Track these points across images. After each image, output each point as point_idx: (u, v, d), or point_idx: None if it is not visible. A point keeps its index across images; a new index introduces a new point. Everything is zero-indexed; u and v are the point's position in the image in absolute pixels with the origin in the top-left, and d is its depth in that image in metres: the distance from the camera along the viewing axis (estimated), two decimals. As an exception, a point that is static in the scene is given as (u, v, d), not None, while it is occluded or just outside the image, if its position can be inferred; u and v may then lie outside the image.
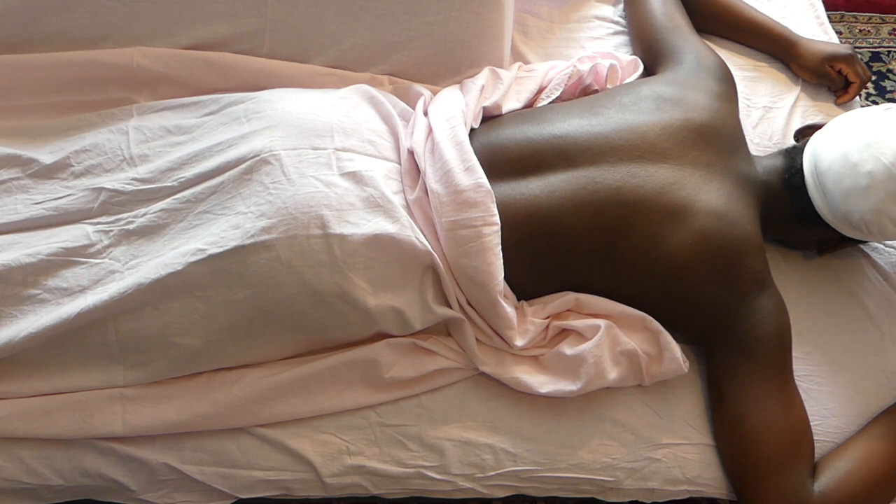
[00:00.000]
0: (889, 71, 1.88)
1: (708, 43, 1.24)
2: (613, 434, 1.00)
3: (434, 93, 1.16)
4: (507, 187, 1.01)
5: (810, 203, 1.02)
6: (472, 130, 1.07)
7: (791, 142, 1.21)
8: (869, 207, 0.95)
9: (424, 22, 1.17)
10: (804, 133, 1.11)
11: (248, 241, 0.91)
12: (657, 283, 0.99)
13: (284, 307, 0.92)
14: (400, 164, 1.04)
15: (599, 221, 0.98)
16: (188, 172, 0.98)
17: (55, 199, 0.99)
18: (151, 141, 1.03)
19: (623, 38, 1.37)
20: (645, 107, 1.06)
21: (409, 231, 0.95)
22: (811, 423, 0.98)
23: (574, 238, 0.99)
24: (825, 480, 0.94)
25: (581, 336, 0.99)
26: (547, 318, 1.01)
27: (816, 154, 1.02)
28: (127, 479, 0.96)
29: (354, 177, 0.97)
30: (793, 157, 1.06)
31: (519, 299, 1.02)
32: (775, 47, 1.35)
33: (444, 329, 1.03)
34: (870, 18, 1.97)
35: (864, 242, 1.12)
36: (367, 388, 0.99)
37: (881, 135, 0.96)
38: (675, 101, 1.06)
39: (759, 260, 1.00)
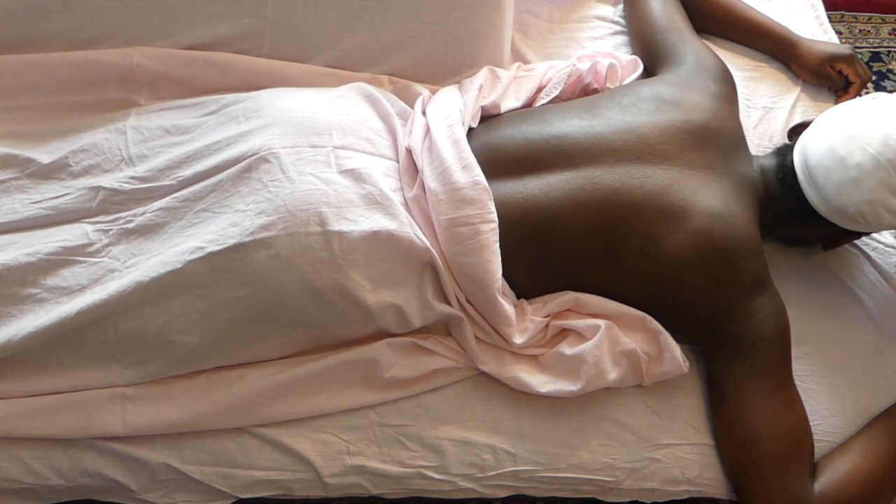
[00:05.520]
0: (889, 71, 1.88)
1: (708, 43, 1.24)
2: (613, 434, 1.00)
3: (433, 92, 1.16)
4: (505, 186, 1.01)
5: (806, 200, 1.02)
6: (470, 129, 1.07)
7: (789, 142, 1.21)
8: (862, 199, 0.95)
9: (424, 22, 1.17)
10: (796, 131, 1.11)
11: (247, 239, 0.91)
12: (656, 284, 0.99)
13: (284, 304, 0.92)
14: (398, 162, 1.04)
15: (598, 222, 0.98)
16: (187, 171, 0.98)
17: (53, 198, 0.99)
18: (150, 141, 1.03)
19: (623, 38, 1.37)
20: (644, 108, 1.06)
21: (408, 228, 0.95)
22: (811, 423, 0.98)
23: (572, 238, 0.99)
24: (825, 481, 0.94)
25: (581, 336, 0.99)
26: (547, 316, 1.01)
27: (805, 151, 1.02)
28: (127, 479, 0.96)
29: (353, 174, 0.97)
30: (784, 155, 1.06)
31: (518, 297, 1.02)
32: (775, 47, 1.35)
33: (444, 329, 1.03)
34: (870, 18, 1.97)
35: (867, 234, 1.11)
36: (366, 387, 0.99)
37: (865, 125, 0.96)
38: (675, 103, 1.06)
39: (758, 261, 1.00)
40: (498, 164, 1.02)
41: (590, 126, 1.04)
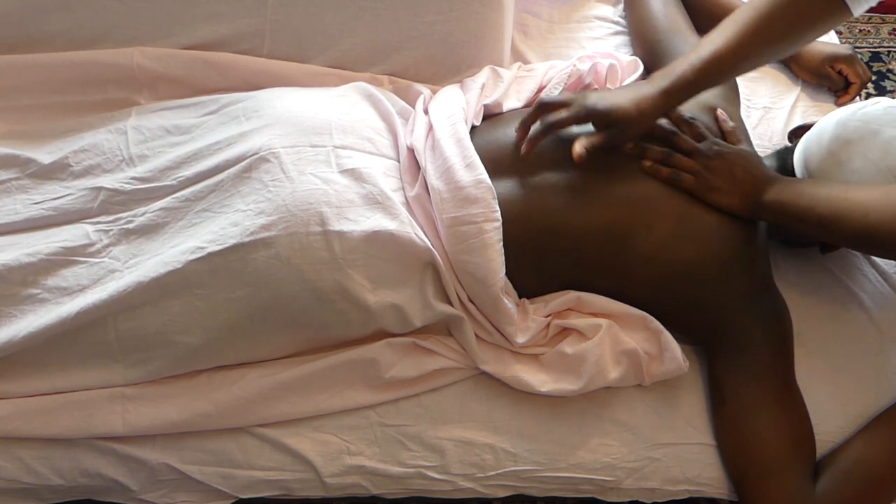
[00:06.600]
0: (889, 71, 1.88)
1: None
2: (613, 434, 1.00)
3: (434, 92, 1.16)
4: (510, 185, 1.01)
5: None
6: (472, 128, 1.07)
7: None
8: None
9: (424, 22, 1.17)
10: (797, 134, 1.11)
11: (247, 239, 0.91)
12: (660, 285, 0.99)
13: (284, 304, 0.92)
14: (398, 161, 1.04)
15: (602, 222, 0.99)
16: (187, 171, 0.98)
17: (54, 199, 0.99)
18: (150, 141, 1.03)
19: (623, 38, 1.37)
20: None
21: (409, 228, 0.95)
22: (811, 423, 0.98)
23: (576, 238, 0.99)
24: (826, 480, 0.94)
25: (582, 335, 0.99)
26: (548, 315, 1.01)
27: (806, 154, 1.02)
28: (127, 479, 0.96)
29: (353, 174, 0.97)
30: (784, 158, 1.07)
31: (521, 297, 1.02)
32: (775, 48, 1.35)
33: (445, 329, 1.03)
34: (870, 18, 1.97)
35: None
36: (367, 387, 0.99)
37: (866, 131, 0.96)
38: None
39: (761, 262, 1.00)
40: (501, 162, 1.02)
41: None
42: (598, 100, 0.96)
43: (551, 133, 0.98)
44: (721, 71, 0.96)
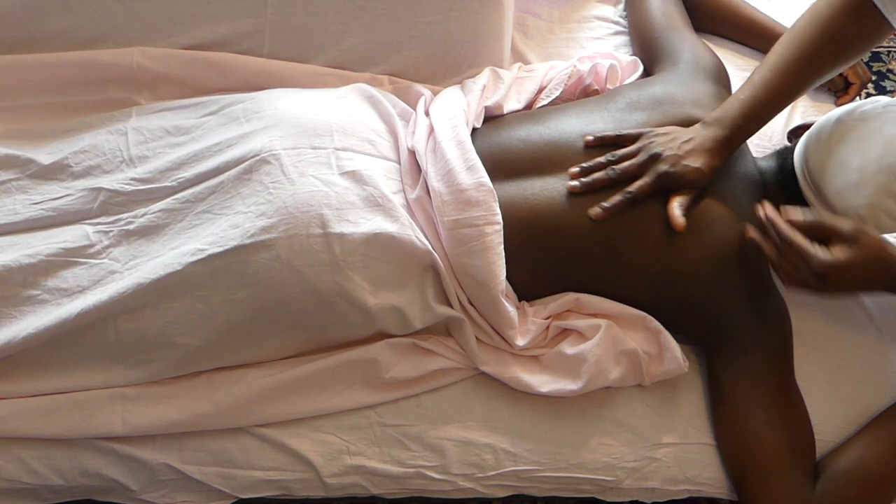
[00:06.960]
0: (889, 71, 1.88)
1: (708, 43, 1.24)
2: (613, 433, 1.00)
3: (434, 93, 1.16)
4: (511, 188, 1.01)
5: (806, 203, 1.02)
6: (473, 130, 1.07)
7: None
8: (862, 203, 0.95)
9: (424, 22, 1.17)
10: (796, 133, 1.11)
11: (247, 241, 0.91)
12: (659, 286, 0.99)
13: (285, 306, 0.92)
14: (399, 163, 1.04)
15: (602, 224, 0.98)
16: (187, 172, 0.98)
17: (54, 199, 0.99)
18: (150, 142, 1.03)
19: (623, 39, 1.37)
20: (646, 106, 1.06)
21: (409, 230, 0.95)
22: (811, 423, 0.98)
23: (577, 241, 0.99)
24: (825, 481, 0.94)
25: (582, 336, 0.99)
26: (547, 317, 1.01)
27: (806, 154, 1.02)
28: (127, 479, 0.96)
29: (354, 176, 0.97)
30: (784, 158, 1.06)
31: (520, 299, 1.02)
32: (776, 47, 1.35)
33: (445, 329, 1.03)
34: (870, 19, 1.97)
35: None
36: (367, 387, 0.99)
37: (866, 129, 0.96)
38: (678, 103, 1.06)
39: (760, 261, 1.00)
40: (502, 165, 1.02)
41: (595, 127, 1.04)
42: (669, 164, 0.97)
43: (634, 205, 0.98)
44: (771, 114, 1.00)
